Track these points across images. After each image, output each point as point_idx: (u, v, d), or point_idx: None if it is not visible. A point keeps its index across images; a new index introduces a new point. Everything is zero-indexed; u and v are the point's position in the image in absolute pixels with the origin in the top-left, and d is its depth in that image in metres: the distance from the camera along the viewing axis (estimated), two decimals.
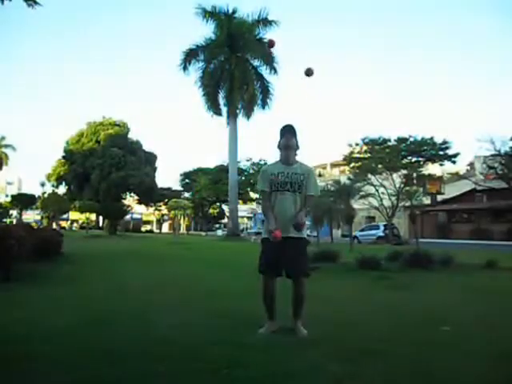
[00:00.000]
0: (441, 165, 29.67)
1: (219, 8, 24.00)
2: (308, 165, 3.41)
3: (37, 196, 39.35)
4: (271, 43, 3.89)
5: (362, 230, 27.38)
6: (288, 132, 3.29)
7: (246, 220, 63.42)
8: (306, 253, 3.31)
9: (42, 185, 42.91)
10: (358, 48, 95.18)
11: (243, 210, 52.64)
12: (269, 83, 25.30)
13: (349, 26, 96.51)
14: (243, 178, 42.65)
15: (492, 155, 24.57)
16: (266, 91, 25.21)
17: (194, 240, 23.82)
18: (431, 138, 27.91)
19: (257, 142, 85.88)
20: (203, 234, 42.93)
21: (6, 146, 47.14)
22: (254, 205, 52.90)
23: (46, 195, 34.82)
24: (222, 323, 3.43)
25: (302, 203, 3.24)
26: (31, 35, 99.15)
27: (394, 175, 25.95)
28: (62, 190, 47.61)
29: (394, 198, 25.25)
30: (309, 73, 3.65)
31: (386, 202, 25.78)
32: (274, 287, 3.23)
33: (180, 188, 53.60)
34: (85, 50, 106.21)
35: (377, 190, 25.50)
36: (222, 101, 25.34)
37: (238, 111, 25.04)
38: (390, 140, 28.38)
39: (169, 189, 52.06)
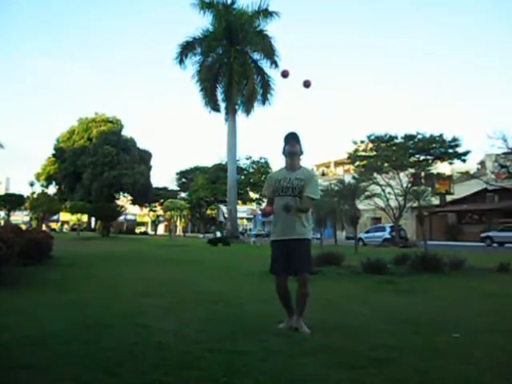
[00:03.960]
0: (450, 163, 29.63)
1: None
2: (312, 170, 3.62)
3: (25, 196, 39.35)
4: (285, 73, 3.94)
5: (368, 232, 27.41)
6: (292, 139, 3.57)
7: (245, 221, 63.39)
8: (309, 252, 3.54)
9: (31, 184, 42.92)
10: (362, 43, 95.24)
11: (242, 210, 52.57)
12: (269, 77, 25.32)
13: (354, 20, 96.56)
14: (243, 177, 42.62)
15: (504, 153, 24.50)
16: (266, 86, 25.20)
17: (190, 242, 23.85)
18: (440, 135, 27.89)
19: (257, 139, 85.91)
20: (200, 235, 42.92)
21: None
22: (253, 205, 52.86)
23: (35, 195, 34.82)
24: (220, 329, 3.43)
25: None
26: (21, 30, 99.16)
27: (401, 174, 25.92)
28: (52, 189, 47.65)
29: (401, 199, 25.24)
30: (306, 84, 3.78)
31: (393, 203, 25.77)
32: (286, 286, 3.49)
33: (176, 188, 53.60)
34: (77, 44, 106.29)
35: (383, 190, 25.49)
36: (220, 96, 25.38)
37: (237, 107, 25.05)
38: (396, 137, 28.36)
39: (164, 188, 52.07)
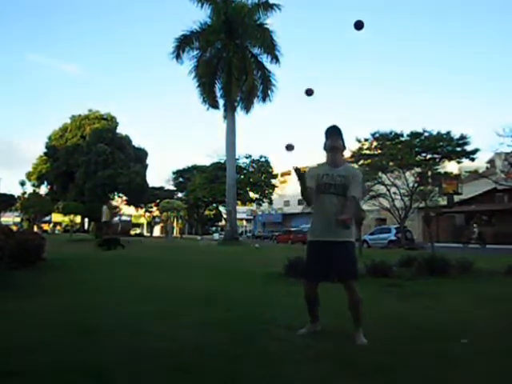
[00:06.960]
0: (458, 162, 29.59)
1: None
2: (355, 167, 3.56)
3: (16, 196, 39.39)
4: (309, 92, 3.77)
5: (372, 234, 27.38)
6: (334, 133, 3.44)
7: (245, 222, 63.42)
8: (354, 255, 3.46)
9: (22, 184, 42.96)
10: (365, 38, 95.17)
11: (242, 211, 52.61)
12: (270, 73, 25.28)
13: (358, 16, 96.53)
14: (242, 176, 42.65)
15: None
16: (266, 82, 25.18)
17: (188, 244, 23.86)
18: (448, 133, 27.86)
19: (257, 137, 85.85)
20: (198, 237, 42.94)
21: None
22: (253, 206, 52.88)
23: (26, 195, 34.86)
24: (221, 334, 3.44)
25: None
26: (14, 26, 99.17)
27: (407, 173, 25.90)
28: (43, 189, 47.72)
29: (406, 199, 25.23)
30: (309, 93, 3.69)
31: (398, 203, 25.77)
32: (317, 292, 3.46)
33: (173, 188, 53.63)
34: (70, 39, 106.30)
35: (388, 190, 25.49)
36: (218, 92, 25.36)
37: (236, 104, 25.02)
38: (402, 135, 28.35)
39: (161, 188, 52.11)
